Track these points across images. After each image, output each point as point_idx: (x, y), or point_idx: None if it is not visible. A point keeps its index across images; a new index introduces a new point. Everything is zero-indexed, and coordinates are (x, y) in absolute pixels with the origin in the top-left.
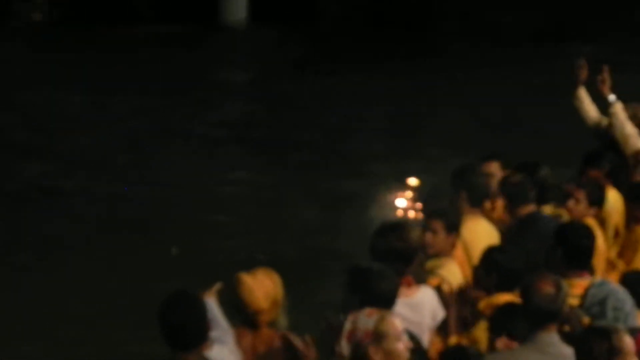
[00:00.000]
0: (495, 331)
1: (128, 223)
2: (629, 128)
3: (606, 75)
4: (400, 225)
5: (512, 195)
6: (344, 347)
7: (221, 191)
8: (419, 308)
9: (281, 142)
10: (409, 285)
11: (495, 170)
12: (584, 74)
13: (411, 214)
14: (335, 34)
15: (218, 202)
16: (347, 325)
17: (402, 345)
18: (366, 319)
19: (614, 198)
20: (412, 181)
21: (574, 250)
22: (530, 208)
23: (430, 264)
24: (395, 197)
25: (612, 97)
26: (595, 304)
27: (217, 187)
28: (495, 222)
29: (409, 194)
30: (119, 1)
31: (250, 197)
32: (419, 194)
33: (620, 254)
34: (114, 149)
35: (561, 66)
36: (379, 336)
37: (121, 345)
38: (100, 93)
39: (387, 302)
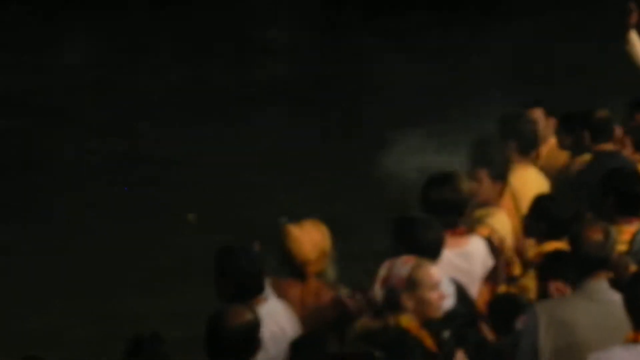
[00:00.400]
0: (543, 278)
1: (173, 184)
2: None
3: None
4: (451, 176)
5: (596, 130)
6: (378, 292)
7: (262, 149)
8: (471, 257)
9: (322, 98)
10: (461, 235)
11: (539, 117)
12: (634, 17)
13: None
14: None
15: (261, 162)
16: (382, 272)
17: (437, 295)
18: (402, 266)
19: None
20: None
21: (624, 197)
22: (609, 146)
23: (478, 213)
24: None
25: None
26: None
27: (258, 145)
28: (541, 169)
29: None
30: None
31: (295, 155)
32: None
33: None
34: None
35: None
36: (412, 283)
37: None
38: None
39: (432, 252)
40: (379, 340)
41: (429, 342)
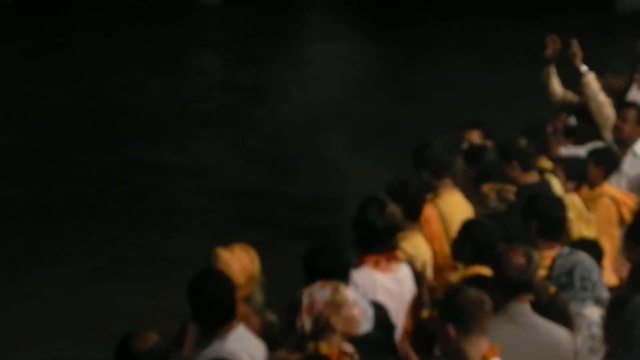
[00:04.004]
0: None
1: None
2: (601, 97)
3: (576, 49)
4: (384, 202)
5: (524, 159)
6: (306, 321)
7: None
8: (402, 283)
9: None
10: (396, 260)
11: (475, 139)
12: (550, 50)
13: None
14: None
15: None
16: (305, 300)
17: (359, 311)
18: (321, 290)
19: None
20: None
21: (547, 221)
22: (534, 176)
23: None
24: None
25: (584, 69)
26: (563, 274)
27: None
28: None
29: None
30: None
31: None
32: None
33: None
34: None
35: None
36: (337, 305)
37: None
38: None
39: (341, 278)
40: None
41: None
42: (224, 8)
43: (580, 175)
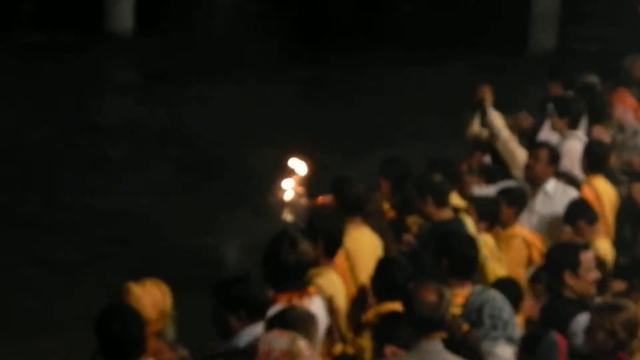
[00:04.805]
0: (378, 340)
1: None
2: (505, 133)
3: (486, 94)
4: (296, 239)
5: (439, 194)
6: None
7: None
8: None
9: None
10: (309, 296)
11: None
12: (478, 97)
13: (295, 196)
14: (221, 43)
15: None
16: (263, 347)
17: None
18: (279, 339)
19: None
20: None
21: (458, 260)
22: (448, 213)
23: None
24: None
25: (490, 110)
26: (473, 311)
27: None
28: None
29: (297, 176)
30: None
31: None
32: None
33: None
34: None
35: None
36: (293, 356)
37: None
38: None
39: (258, 312)
40: None
41: None
42: (136, 39)
43: (492, 215)
